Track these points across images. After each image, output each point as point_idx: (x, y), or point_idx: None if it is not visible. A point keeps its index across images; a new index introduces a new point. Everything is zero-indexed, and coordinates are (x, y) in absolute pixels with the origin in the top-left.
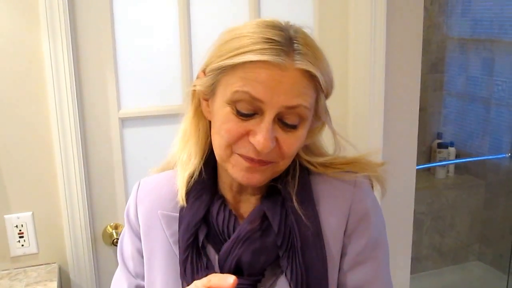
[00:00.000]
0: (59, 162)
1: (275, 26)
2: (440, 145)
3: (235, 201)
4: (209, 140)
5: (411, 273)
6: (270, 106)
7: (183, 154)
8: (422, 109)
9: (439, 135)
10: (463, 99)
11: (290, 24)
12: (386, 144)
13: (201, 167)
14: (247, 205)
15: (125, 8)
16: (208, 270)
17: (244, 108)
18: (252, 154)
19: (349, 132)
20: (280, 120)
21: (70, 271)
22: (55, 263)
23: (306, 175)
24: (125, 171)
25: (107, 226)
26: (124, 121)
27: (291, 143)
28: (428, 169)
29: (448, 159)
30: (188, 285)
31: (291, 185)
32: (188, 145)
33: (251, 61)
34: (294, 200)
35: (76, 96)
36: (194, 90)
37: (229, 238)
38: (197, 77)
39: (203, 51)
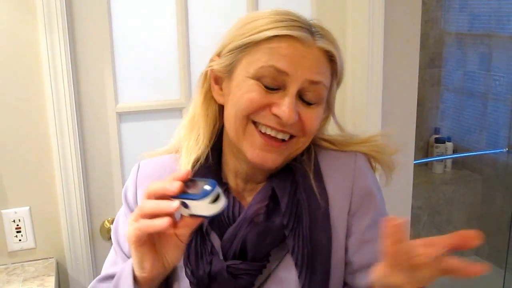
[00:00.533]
0: (57, 157)
1: (291, 15)
2: (438, 140)
3: (238, 189)
4: (216, 126)
5: None
6: (295, 79)
7: (191, 138)
8: (419, 104)
9: (436, 130)
10: (461, 94)
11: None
12: (384, 139)
13: (208, 152)
14: (252, 194)
15: (122, 2)
16: (213, 255)
17: (269, 82)
18: (275, 124)
19: (347, 127)
20: (300, 98)
21: (67, 266)
22: (52, 258)
23: (316, 154)
24: (123, 165)
25: (104, 221)
26: (122, 116)
27: (313, 118)
28: (426, 164)
29: (446, 154)
30: (191, 271)
31: (307, 163)
32: (195, 129)
33: (276, 36)
34: (312, 179)
35: (74, 91)
36: (206, 74)
37: (233, 222)
38: (211, 60)
39: (201, 46)
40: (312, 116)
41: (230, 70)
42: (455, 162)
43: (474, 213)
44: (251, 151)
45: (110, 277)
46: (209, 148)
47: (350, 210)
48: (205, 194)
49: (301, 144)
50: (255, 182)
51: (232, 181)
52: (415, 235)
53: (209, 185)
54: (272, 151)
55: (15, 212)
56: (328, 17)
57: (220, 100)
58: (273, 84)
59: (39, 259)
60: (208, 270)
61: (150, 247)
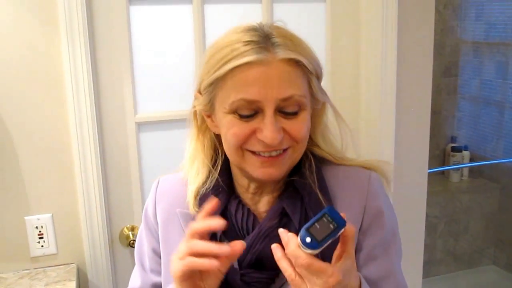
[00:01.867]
0: (78, 166)
1: (250, 29)
2: (454, 149)
3: (253, 202)
4: (219, 150)
5: (425, 277)
6: (267, 102)
7: (192, 170)
8: (436, 113)
9: (453, 139)
10: (477, 103)
11: (263, 23)
12: (398, 147)
13: (216, 177)
14: (265, 205)
15: (142, 13)
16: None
17: (244, 111)
18: (264, 148)
19: (361, 135)
20: (280, 112)
21: (88, 271)
22: (73, 263)
23: (320, 167)
24: (142, 174)
25: (123, 228)
26: (141, 126)
27: (298, 127)
28: (442, 172)
29: (462, 162)
30: None
31: (311, 179)
32: (195, 161)
33: (236, 67)
34: (318, 194)
35: (94, 101)
36: (195, 111)
37: (247, 233)
38: (195, 98)
39: None
40: (297, 125)
41: (211, 107)
42: (472, 170)
43: (491, 222)
44: (254, 171)
45: None
46: (215, 174)
47: (361, 228)
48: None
49: (298, 151)
50: (267, 193)
51: (245, 196)
52: (431, 243)
53: (334, 226)
54: (272, 165)
55: (38, 219)
56: (342, 29)
57: (215, 131)
58: (249, 112)
59: (60, 265)
60: (223, 279)
61: (193, 281)
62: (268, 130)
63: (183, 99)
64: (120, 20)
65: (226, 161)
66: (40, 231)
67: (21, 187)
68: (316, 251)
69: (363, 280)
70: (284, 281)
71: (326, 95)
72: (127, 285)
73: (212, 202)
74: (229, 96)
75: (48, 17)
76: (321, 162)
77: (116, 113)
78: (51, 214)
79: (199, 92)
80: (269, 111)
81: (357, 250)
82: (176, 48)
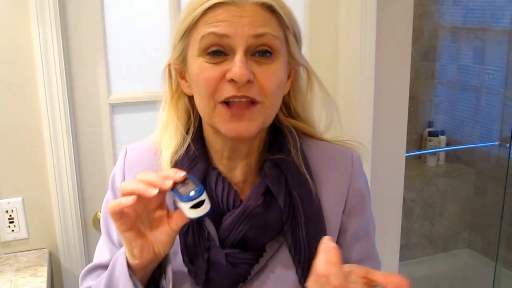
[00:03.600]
0: (49, 148)
1: None
2: (431, 133)
3: (228, 169)
4: (192, 117)
5: (401, 260)
6: (238, 38)
7: (165, 136)
8: (413, 98)
9: (430, 124)
10: (454, 88)
11: None
12: (376, 131)
13: (189, 143)
14: (241, 173)
15: None
16: (210, 241)
17: (214, 50)
18: (233, 92)
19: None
20: (252, 55)
21: (60, 256)
22: (45, 248)
23: (301, 143)
24: (115, 157)
25: (97, 212)
26: (114, 107)
27: (270, 76)
28: (419, 157)
29: (439, 147)
30: (188, 260)
31: (296, 158)
32: (169, 126)
33: (209, 8)
34: (306, 175)
35: (66, 82)
36: (170, 74)
37: (228, 209)
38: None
39: None
40: (268, 73)
41: (183, 58)
42: (448, 155)
43: (466, 206)
44: (223, 126)
45: (98, 266)
46: (188, 140)
47: (345, 209)
48: (188, 199)
49: (268, 108)
50: (241, 158)
51: (220, 164)
52: (408, 227)
53: (194, 191)
54: (241, 119)
55: (8, 203)
56: (321, 10)
57: (189, 92)
58: (218, 50)
59: (32, 250)
60: (206, 257)
61: (137, 233)
62: (236, 65)
63: (158, 79)
64: (93, 0)
65: (199, 127)
66: (10, 215)
67: None
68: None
69: None
70: (267, 261)
71: (308, 62)
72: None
73: (179, 173)
74: (199, 34)
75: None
76: (302, 136)
77: (89, 94)
78: (21, 198)
79: (174, 47)
80: (239, 49)
81: (341, 232)
82: (151, 27)
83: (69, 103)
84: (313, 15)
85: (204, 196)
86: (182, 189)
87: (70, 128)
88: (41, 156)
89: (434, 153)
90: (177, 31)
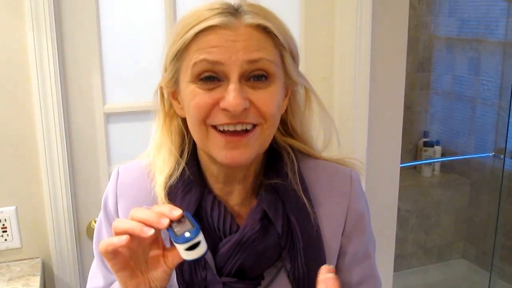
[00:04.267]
0: (43, 157)
1: (214, 4)
2: (426, 144)
3: (224, 193)
4: (186, 139)
5: (396, 270)
6: (231, 65)
7: (159, 159)
8: (408, 108)
9: (425, 134)
10: (450, 98)
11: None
12: (371, 141)
13: (184, 166)
14: (237, 197)
15: (111, 2)
16: (206, 270)
17: (207, 77)
18: (227, 119)
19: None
20: (247, 80)
21: (53, 266)
22: (38, 258)
23: (298, 164)
24: (110, 166)
25: (91, 221)
26: (109, 117)
27: (266, 100)
28: (414, 167)
29: (434, 157)
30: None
31: (294, 181)
32: (162, 149)
33: (200, 31)
34: (304, 200)
35: (61, 91)
36: (162, 95)
37: (224, 235)
38: (161, 78)
39: None
40: (265, 97)
41: (175, 81)
42: (443, 165)
43: (461, 216)
44: (219, 153)
45: None
46: (182, 164)
47: (344, 231)
48: (184, 240)
49: (267, 131)
50: (237, 182)
51: (216, 187)
52: (403, 238)
53: (190, 232)
54: (237, 146)
55: (1, 212)
56: (316, 22)
57: (182, 114)
58: (211, 78)
59: (25, 259)
60: (203, 286)
61: (132, 272)
62: (230, 95)
63: (152, 90)
64: (89, 9)
65: (194, 150)
66: (3, 225)
67: None
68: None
69: None
70: (266, 287)
71: (306, 80)
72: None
73: (176, 211)
74: (191, 60)
75: (14, 6)
76: (299, 155)
77: (84, 103)
78: (15, 207)
79: (165, 69)
80: (233, 76)
81: (341, 254)
82: (147, 36)
83: (63, 112)
84: (308, 26)
85: (200, 237)
86: (177, 228)
87: (64, 137)
88: (35, 165)
89: (429, 164)
90: (167, 52)
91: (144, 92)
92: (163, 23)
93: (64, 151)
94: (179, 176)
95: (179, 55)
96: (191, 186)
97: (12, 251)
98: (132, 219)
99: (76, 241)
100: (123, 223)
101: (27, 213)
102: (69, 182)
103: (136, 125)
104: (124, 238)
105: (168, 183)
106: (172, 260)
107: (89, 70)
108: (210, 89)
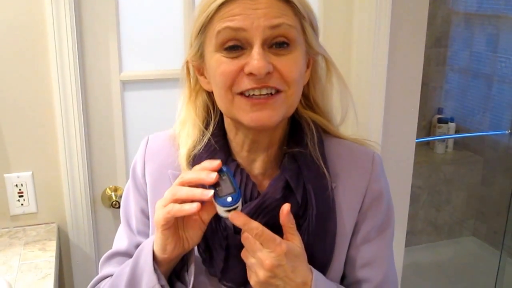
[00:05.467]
0: (60, 123)
1: None
2: (440, 120)
3: (247, 161)
4: (212, 112)
5: (406, 245)
6: (254, 31)
7: (182, 135)
8: (424, 84)
9: (439, 110)
10: (466, 75)
11: None
12: (387, 116)
13: (209, 138)
14: (260, 166)
15: None
16: (227, 231)
17: (231, 44)
18: (253, 84)
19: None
20: (269, 47)
21: (69, 231)
22: (54, 223)
23: (322, 139)
24: (126, 135)
25: (106, 189)
26: (126, 84)
27: (290, 65)
28: (428, 143)
29: (448, 134)
30: (205, 248)
31: (313, 152)
32: (186, 125)
33: (222, 3)
34: (324, 170)
35: (78, 58)
36: (188, 71)
37: (245, 201)
38: (186, 54)
39: None
40: (288, 63)
41: (201, 55)
42: (456, 142)
43: (473, 194)
44: (246, 117)
45: (117, 254)
46: (207, 135)
47: (361, 209)
48: (225, 204)
49: (291, 97)
50: (262, 150)
51: (240, 156)
52: (413, 214)
53: (232, 197)
54: (263, 108)
55: (18, 177)
56: None
57: (208, 88)
58: (235, 45)
59: (40, 224)
60: (225, 244)
61: (175, 230)
62: (254, 59)
63: (169, 57)
64: None
65: (220, 122)
66: (20, 189)
67: (1, 144)
68: (237, 204)
69: (318, 276)
70: None
71: (326, 51)
72: (109, 246)
73: (214, 162)
74: (214, 30)
75: None
76: (323, 134)
77: (101, 70)
78: (31, 172)
79: (190, 44)
80: (256, 42)
81: (355, 232)
82: (163, 6)
83: (80, 79)
84: (326, 0)
85: (239, 203)
86: (219, 187)
87: (81, 104)
88: (52, 131)
89: (443, 140)
90: (192, 28)
91: (160, 61)
92: None
93: (80, 118)
94: (204, 146)
95: (203, 29)
96: (215, 153)
97: (28, 215)
98: (183, 181)
99: (91, 207)
100: (185, 190)
101: (43, 179)
102: (85, 149)
103: (152, 93)
104: (195, 206)
105: (192, 153)
106: (207, 214)
107: (106, 38)
108: (234, 57)
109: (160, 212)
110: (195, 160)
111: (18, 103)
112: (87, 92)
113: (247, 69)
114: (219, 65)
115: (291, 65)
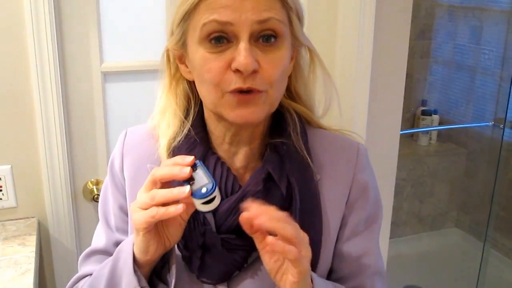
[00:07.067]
0: (39, 116)
1: None
2: (424, 112)
3: (229, 154)
4: (192, 101)
5: (390, 237)
6: (241, 25)
7: (162, 124)
8: (408, 76)
9: (423, 102)
10: (449, 67)
11: None
12: (371, 108)
13: (189, 128)
14: (242, 159)
15: None
16: (205, 226)
17: (216, 38)
18: (239, 83)
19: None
20: (256, 41)
21: (49, 226)
22: (34, 217)
23: (305, 129)
24: (107, 127)
25: (87, 182)
26: (107, 76)
27: (274, 64)
28: (411, 135)
29: (432, 126)
30: (183, 245)
31: (297, 143)
32: (166, 115)
33: None
34: (308, 161)
35: (58, 49)
36: (168, 58)
37: (226, 195)
38: (167, 41)
39: None
40: (273, 62)
41: (183, 43)
42: (440, 134)
43: (456, 186)
44: (231, 113)
45: (96, 251)
46: (187, 125)
47: (348, 201)
48: (201, 196)
49: (273, 96)
50: (243, 144)
51: (221, 149)
52: (397, 205)
53: (206, 188)
54: (248, 105)
55: None
56: None
57: (189, 77)
58: (221, 39)
59: (20, 218)
60: (201, 242)
61: (156, 231)
62: (241, 55)
63: (151, 48)
64: None
65: (199, 112)
66: None
67: None
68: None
69: (314, 276)
70: None
71: (310, 42)
72: (91, 240)
73: (187, 157)
74: (200, 20)
75: None
76: (306, 124)
77: (81, 61)
78: (10, 166)
79: (172, 33)
80: (243, 36)
81: (342, 225)
82: None
83: (60, 70)
84: None
85: (216, 192)
86: (192, 182)
87: (61, 96)
88: (31, 124)
89: (427, 132)
90: (174, 15)
91: (142, 51)
92: None
93: (60, 110)
94: (184, 137)
95: (187, 16)
96: (195, 145)
97: (7, 210)
98: (155, 178)
99: (72, 201)
100: (163, 193)
101: (22, 173)
102: (65, 142)
103: (133, 84)
104: (180, 207)
105: (172, 145)
106: (187, 212)
107: (87, 28)
108: (220, 52)
109: (139, 215)
110: (174, 152)
111: None
112: (67, 84)
113: (233, 65)
114: (205, 62)
115: (276, 63)
